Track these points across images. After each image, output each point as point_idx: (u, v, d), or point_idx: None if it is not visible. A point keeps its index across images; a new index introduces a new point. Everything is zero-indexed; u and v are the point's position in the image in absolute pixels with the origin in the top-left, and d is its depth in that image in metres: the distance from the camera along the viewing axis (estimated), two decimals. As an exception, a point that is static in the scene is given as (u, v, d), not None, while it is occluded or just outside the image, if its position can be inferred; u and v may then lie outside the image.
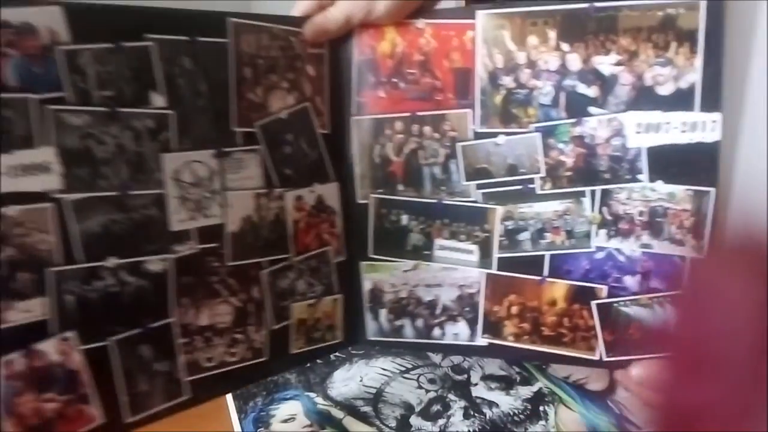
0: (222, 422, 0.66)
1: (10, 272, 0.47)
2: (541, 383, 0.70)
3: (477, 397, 0.68)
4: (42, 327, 0.49)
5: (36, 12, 0.47)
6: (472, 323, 0.64)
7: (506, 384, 0.70)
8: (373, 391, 0.70)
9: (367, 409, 0.67)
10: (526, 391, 0.69)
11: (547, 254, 0.61)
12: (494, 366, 0.73)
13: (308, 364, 0.74)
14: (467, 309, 0.64)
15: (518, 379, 0.71)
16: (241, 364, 0.60)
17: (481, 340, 0.65)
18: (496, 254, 0.62)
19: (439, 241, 0.64)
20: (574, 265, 0.61)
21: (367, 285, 0.67)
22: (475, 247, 0.63)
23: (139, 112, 0.52)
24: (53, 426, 0.50)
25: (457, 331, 0.65)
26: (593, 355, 0.62)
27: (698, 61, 0.55)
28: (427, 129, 0.62)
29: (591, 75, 0.58)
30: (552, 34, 0.58)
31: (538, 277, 0.62)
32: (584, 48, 0.57)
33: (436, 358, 0.75)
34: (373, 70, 0.63)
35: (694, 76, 0.55)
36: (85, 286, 0.51)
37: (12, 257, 0.47)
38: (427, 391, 0.69)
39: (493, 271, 0.63)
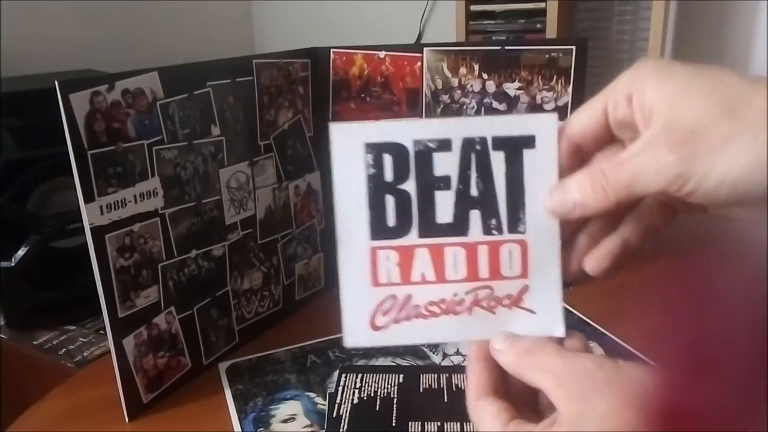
0: (222, 422, 0.66)
1: (137, 271, 0.65)
2: None
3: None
4: (156, 306, 0.67)
5: (144, 78, 0.63)
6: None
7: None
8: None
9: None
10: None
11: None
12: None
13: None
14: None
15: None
16: (267, 313, 0.82)
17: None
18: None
19: (396, 211, 0.89)
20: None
21: (341, 244, 0.91)
22: (421, 213, 0.89)
23: (205, 141, 0.70)
24: (164, 376, 0.70)
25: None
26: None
27: (569, 88, 0.84)
28: (387, 131, 0.86)
29: (502, 95, 0.84)
30: (476, 66, 0.83)
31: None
32: (498, 77, 0.84)
33: (436, 358, 0.75)
34: (346, 88, 0.84)
35: (566, 97, 0.84)
36: (179, 273, 0.69)
37: (138, 260, 0.65)
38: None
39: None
